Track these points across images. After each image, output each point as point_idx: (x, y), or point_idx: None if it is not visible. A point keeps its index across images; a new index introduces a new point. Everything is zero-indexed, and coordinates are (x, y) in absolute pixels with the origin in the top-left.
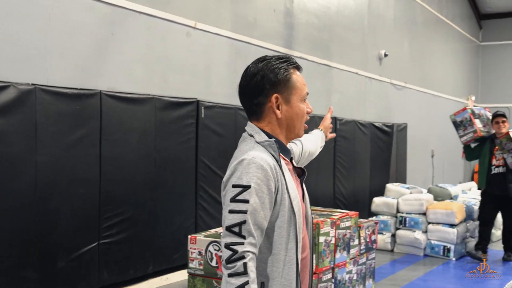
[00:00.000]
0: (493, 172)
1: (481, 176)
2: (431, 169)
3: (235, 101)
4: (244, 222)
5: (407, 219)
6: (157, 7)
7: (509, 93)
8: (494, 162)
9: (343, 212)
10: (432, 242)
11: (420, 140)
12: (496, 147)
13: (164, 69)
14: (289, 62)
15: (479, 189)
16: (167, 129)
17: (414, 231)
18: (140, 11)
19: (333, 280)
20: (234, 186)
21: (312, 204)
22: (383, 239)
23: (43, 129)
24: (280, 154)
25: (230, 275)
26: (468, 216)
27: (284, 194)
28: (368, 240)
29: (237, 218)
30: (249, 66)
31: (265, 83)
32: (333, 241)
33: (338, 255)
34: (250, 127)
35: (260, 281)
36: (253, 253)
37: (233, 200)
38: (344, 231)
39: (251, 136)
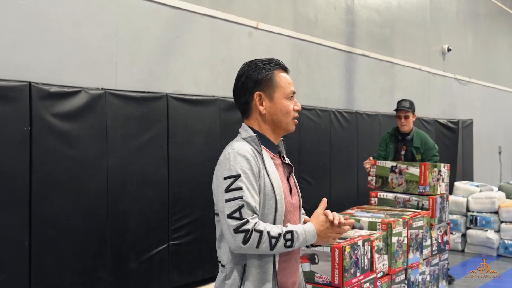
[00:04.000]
0: None
1: None
2: (498, 166)
3: (298, 100)
4: (243, 206)
5: (478, 218)
6: (220, 9)
7: None
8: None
9: (415, 211)
10: (506, 241)
11: (486, 136)
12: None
13: (227, 70)
14: (273, 63)
15: None
16: (232, 130)
17: (486, 231)
18: (203, 13)
19: (406, 282)
20: (225, 178)
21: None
22: (453, 239)
23: (113, 132)
24: (264, 147)
25: (247, 245)
26: None
27: (266, 181)
28: (440, 241)
29: (235, 204)
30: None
31: (248, 82)
32: (405, 241)
33: (411, 255)
34: (242, 126)
35: (243, 263)
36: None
37: (227, 190)
38: (417, 231)
39: (240, 133)
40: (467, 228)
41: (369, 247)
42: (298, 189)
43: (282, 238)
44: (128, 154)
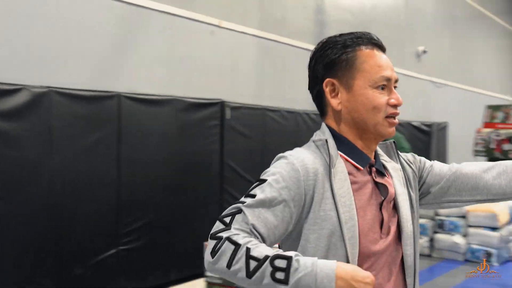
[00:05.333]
0: None
1: None
2: None
3: (263, 102)
4: (239, 212)
5: (446, 222)
6: (179, 6)
7: None
8: None
9: None
10: (473, 246)
11: (461, 139)
12: None
13: (187, 69)
14: (358, 38)
15: None
16: (189, 131)
17: (453, 235)
18: (161, 10)
19: None
20: (255, 181)
21: None
22: (421, 243)
23: (58, 132)
24: (343, 156)
25: (214, 259)
26: None
27: (328, 207)
28: None
29: (233, 208)
30: None
31: (318, 66)
32: None
33: None
34: (321, 127)
35: None
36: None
37: (245, 194)
38: None
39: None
40: (435, 232)
41: None
42: (410, 225)
43: (268, 264)
44: (75, 155)
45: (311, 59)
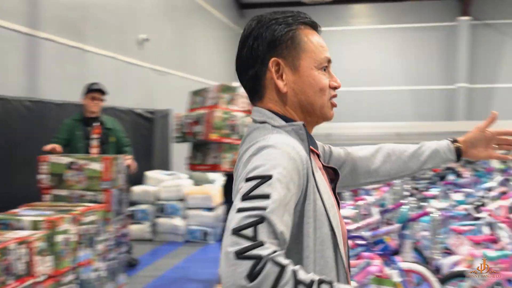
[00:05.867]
0: None
1: None
2: None
3: None
4: (261, 221)
5: (166, 206)
6: None
7: None
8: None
9: (87, 206)
10: (191, 227)
11: None
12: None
13: None
14: (296, 17)
15: None
16: None
17: (173, 218)
18: None
19: (77, 281)
20: (248, 179)
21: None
22: (142, 229)
23: None
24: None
25: (255, 283)
26: None
27: (316, 196)
28: (118, 234)
29: (250, 217)
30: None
31: (259, 45)
32: (73, 239)
33: (81, 253)
34: (258, 112)
35: None
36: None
37: (246, 197)
38: (88, 227)
39: (263, 122)
40: (156, 217)
41: (26, 249)
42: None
43: None
44: None
45: (247, 37)
